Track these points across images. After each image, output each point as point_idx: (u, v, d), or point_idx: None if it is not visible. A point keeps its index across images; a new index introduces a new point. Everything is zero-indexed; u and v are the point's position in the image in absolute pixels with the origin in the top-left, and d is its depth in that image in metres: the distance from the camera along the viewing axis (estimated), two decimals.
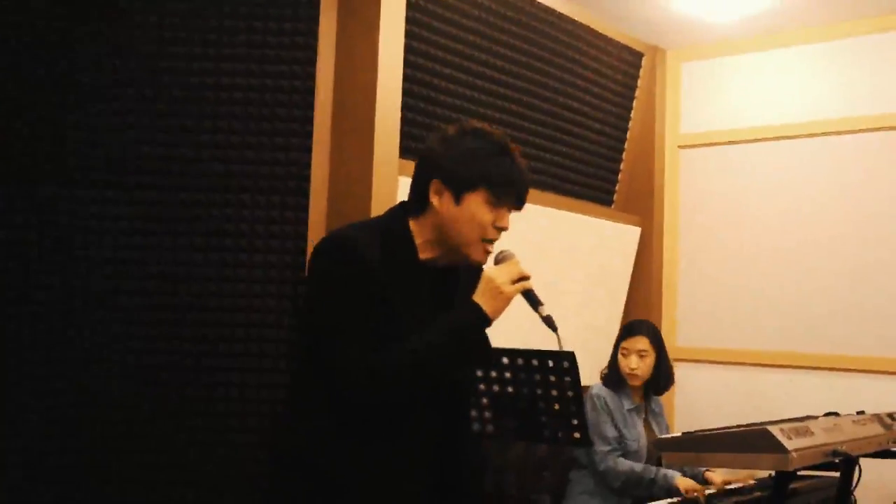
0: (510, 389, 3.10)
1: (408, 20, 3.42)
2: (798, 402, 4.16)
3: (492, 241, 2.03)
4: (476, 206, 1.97)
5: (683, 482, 3.47)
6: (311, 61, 3.30)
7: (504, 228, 2.03)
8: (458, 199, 1.98)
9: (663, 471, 3.54)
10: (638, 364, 3.74)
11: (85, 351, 3.13)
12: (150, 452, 3.16)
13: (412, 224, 2.04)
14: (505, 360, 3.09)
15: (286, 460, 2.05)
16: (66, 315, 3.13)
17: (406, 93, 3.45)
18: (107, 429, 3.13)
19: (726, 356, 4.60)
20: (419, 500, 2.04)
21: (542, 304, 2.04)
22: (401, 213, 2.06)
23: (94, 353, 3.14)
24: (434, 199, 2.00)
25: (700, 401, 4.67)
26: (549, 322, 2.05)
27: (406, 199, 2.10)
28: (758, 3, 4.15)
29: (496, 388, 3.12)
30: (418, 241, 2.03)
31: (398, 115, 3.34)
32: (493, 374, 3.11)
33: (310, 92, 3.29)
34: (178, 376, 3.18)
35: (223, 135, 3.23)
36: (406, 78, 3.43)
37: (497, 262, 2.05)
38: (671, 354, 4.72)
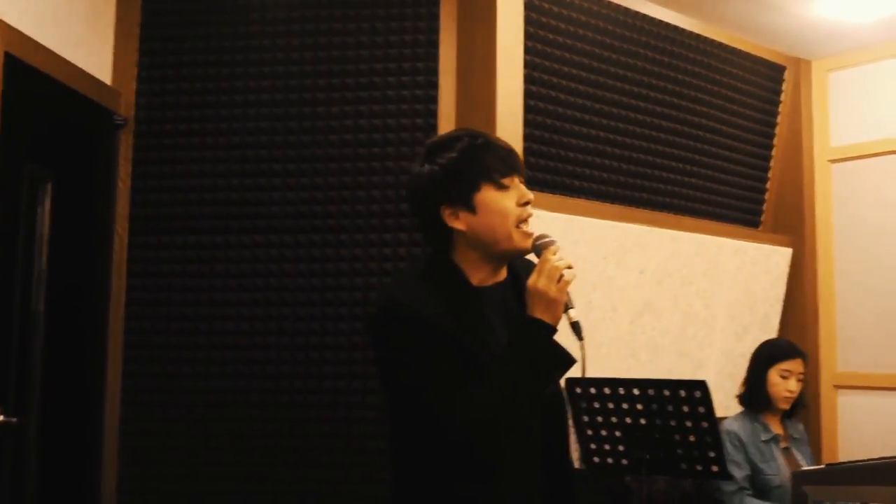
0: (643, 421, 3.01)
1: (526, 50, 3.40)
2: None
3: (526, 221, 1.97)
4: (491, 201, 1.93)
5: None
6: (433, 98, 3.33)
7: (528, 201, 1.97)
8: (471, 208, 1.94)
9: None
10: (796, 388, 3.59)
11: (219, 394, 3.26)
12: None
13: (454, 256, 2.00)
14: (636, 390, 3.00)
15: None
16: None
17: (529, 123, 3.42)
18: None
19: (891, 381, 4.30)
20: None
21: (572, 307, 1.93)
22: (438, 253, 2.02)
23: (226, 397, 3.26)
24: (454, 223, 1.95)
25: (864, 430, 4.38)
26: (576, 329, 1.92)
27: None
28: None
29: (629, 419, 3.03)
30: (467, 267, 1.99)
31: (520, 147, 3.31)
32: (625, 405, 3.02)
33: (433, 128, 3.32)
34: (312, 419, 3.25)
35: (349, 176, 3.30)
36: (528, 108, 3.41)
37: (536, 250, 1.95)
38: (831, 381, 4.48)
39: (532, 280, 1.90)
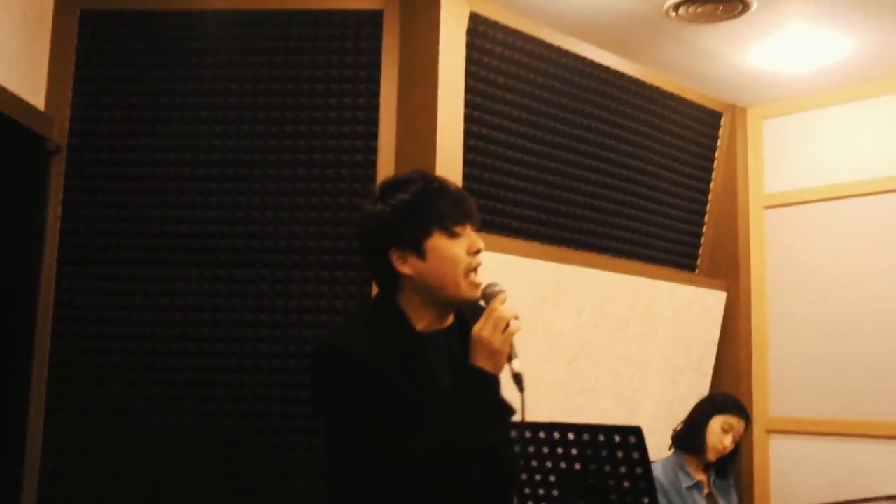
0: (577, 466, 2.98)
1: (467, 89, 3.39)
2: None
3: (475, 270, 1.96)
4: (441, 248, 1.92)
5: None
6: (373, 134, 3.31)
7: (478, 250, 1.96)
8: (420, 253, 1.92)
9: None
10: (731, 445, 3.62)
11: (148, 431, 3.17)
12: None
13: (399, 301, 1.97)
14: (570, 435, 2.98)
15: None
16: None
17: (469, 163, 3.41)
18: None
19: (822, 426, 4.35)
20: None
21: (516, 358, 1.91)
22: (385, 296, 2.00)
23: (154, 436, 3.17)
24: (402, 268, 1.93)
25: (796, 476, 4.41)
26: (518, 380, 1.90)
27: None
28: (838, 52, 3.99)
29: (563, 464, 3.01)
30: (411, 313, 1.96)
31: (459, 182, 3.30)
32: (559, 449, 3.00)
33: (372, 165, 3.30)
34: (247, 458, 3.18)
35: (286, 211, 3.26)
36: (468, 148, 3.40)
37: (485, 298, 1.93)
38: (764, 426, 4.52)
39: (477, 328, 1.88)
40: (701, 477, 3.61)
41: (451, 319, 2.03)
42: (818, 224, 4.49)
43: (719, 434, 3.62)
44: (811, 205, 4.53)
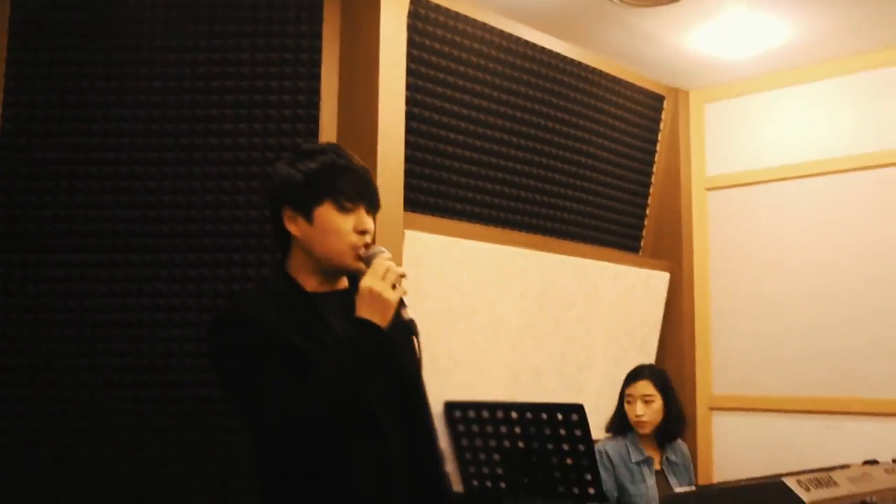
0: (521, 444, 3.01)
1: (409, 72, 3.39)
2: (839, 449, 3.97)
3: (359, 250, 2.03)
4: (328, 218, 2.00)
5: None
6: (314, 117, 3.28)
7: (365, 231, 2.03)
8: (309, 218, 2.01)
9: None
10: (644, 410, 3.58)
11: (88, 419, 3.14)
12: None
13: (290, 264, 2.06)
14: (514, 414, 3.00)
15: None
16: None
17: (411, 145, 3.41)
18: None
19: (764, 403, 4.43)
20: None
21: (406, 307, 1.98)
22: (277, 261, 2.11)
23: (93, 423, 3.14)
24: (291, 227, 2.03)
25: (739, 451, 4.50)
26: (411, 326, 1.98)
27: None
28: (777, 36, 4.06)
29: (507, 443, 3.03)
30: (300, 275, 2.04)
31: (401, 167, 3.30)
32: (503, 428, 3.02)
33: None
34: (192, 443, 3.15)
35: (227, 195, 3.23)
36: (410, 130, 3.40)
37: (366, 260, 1.99)
38: (707, 403, 4.59)
39: (367, 280, 1.94)
40: (652, 453, 3.62)
41: (345, 283, 2.10)
42: (759, 206, 4.56)
43: (628, 408, 3.65)
44: (752, 187, 4.60)
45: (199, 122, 3.25)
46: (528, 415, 2.98)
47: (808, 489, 2.44)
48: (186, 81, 3.27)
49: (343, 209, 2.00)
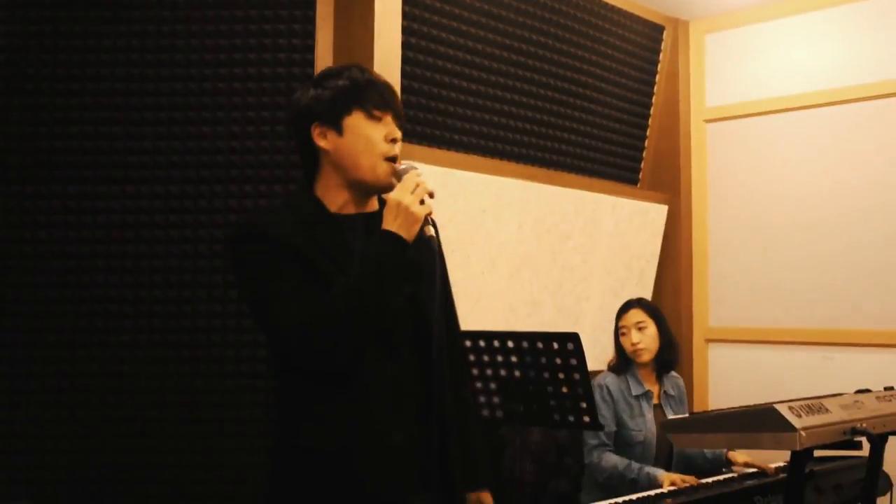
0: (517, 373, 3.04)
1: (406, 1, 3.35)
2: (834, 380, 4.01)
3: (394, 160, 2.03)
4: (358, 126, 2.00)
5: (668, 478, 3.28)
6: (310, 47, 3.25)
7: (395, 139, 2.03)
8: (339, 129, 2.01)
9: (647, 469, 3.34)
10: (639, 338, 3.59)
11: (88, 347, 3.16)
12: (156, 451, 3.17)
13: (316, 187, 2.06)
14: (510, 343, 3.02)
15: (279, 450, 2.03)
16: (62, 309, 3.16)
17: (407, 75, 3.38)
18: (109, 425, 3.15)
19: (760, 335, 4.46)
20: (401, 456, 1.98)
21: (431, 224, 1.96)
22: (301, 185, 2.11)
23: (95, 352, 3.16)
24: (321, 142, 2.02)
25: (734, 382, 4.54)
26: (431, 242, 1.96)
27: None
28: None
29: (503, 372, 3.06)
30: (326, 196, 2.04)
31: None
32: (500, 358, 3.05)
33: (308, 77, 3.24)
34: (186, 373, 3.18)
35: (222, 126, 3.21)
36: (406, 60, 3.37)
37: (398, 176, 1.99)
38: (704, 335, 4.62)
39: (395, 193, 1.94)
40: (652, 387, 3.65)
41: (374, 206, 2.09)
42: (758, 137, 4.55)
43: (623, 339, 3.67)
44: (752, 118, 4.58)
45: (194, 52, 3.22)
46: (525, 343, 3.00)
47: (799, 415, 2.46)
48: (180, 11, 3.23)
49: (372, 117, 2.00)
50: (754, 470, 3.40)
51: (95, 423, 3.15)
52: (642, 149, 4.68)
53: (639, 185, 4.67)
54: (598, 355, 4.03)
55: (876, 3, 4.20)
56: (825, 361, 4.27)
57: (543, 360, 2.99)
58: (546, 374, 3.00)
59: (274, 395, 2.11)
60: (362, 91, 2.02)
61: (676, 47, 4.68)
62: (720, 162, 4.67)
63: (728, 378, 4.57)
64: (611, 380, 3.62)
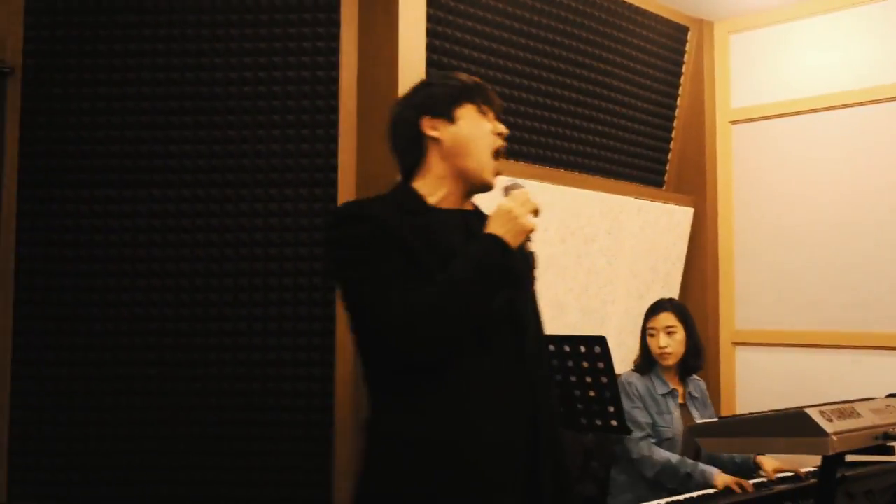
0: None
1: (429, 3, 3.34)
2: (863, 384, 3.96)
3: (498, 154, 2.09)
4: (469, 115, 2.06)
5: (722, 479, 3.24)
6: (334, 50, 3.27)
7: (503, 133, 2.10)
8: (451, 118, 2.06)
9: (702, 466, 3.33)
10: (667, 342, 3.58)
11: (115, 350, 3.17)
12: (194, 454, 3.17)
13: (416, 182, 2.08)
14: None
15: (373, 448, 2.01)
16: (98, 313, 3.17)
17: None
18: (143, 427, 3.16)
19: (787, 338, 4.42)
20: (507, 453, 1.96)
21: (530, 240, 2.00)
22: (401, 181, 2.12)
23: (125, 356, 3.17)
24: (431, 132, 2.06)
25: (761, 385, 4.50)
26: (530, 258, 2.01)
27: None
28: None
29: None
30: (425, 189, 2.06)
31: None
32: None
33: (333, 81, 3.27)
34: (213, 376, 3.18)
35: (249, 129, 3.22)
36: (431, 62, 3.36)
37: (507, 192, 2.03)
38: (730, 338, 4.58)
39: (505, 200, 1.98)
40: (676, 386, 3.64)
41: (470, 206, 2.13)
42: (784, 138, 4.51)
43: (650, 341, 3.65)
44: (777, 119, 4.54)
45: (218, 56, 3.23)
46: (551, 347, 2.99)
47: (830, 420, 2.44)
48: (205, 16, 3.24)
49: (482, 111, 2.08)
50: (788, 474, 3.37)
51: (122, 426, 3.17)
52: (667, 151, 4.65)
53: (664, 188, 4.65)
54: (623, 357, 4.00)
55: None
56: (854, 365, 4.22)
57: (570, 363, 2.98)
58: (573, 378, 2.99)
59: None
60: (470, 89, 2.09)
61: (701, 48, 4.65)
62: (746, 163, 4.63)
63: (755, 381, 4.53)
64: (635, 378, 3.61)
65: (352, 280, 1.95)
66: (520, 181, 2.07)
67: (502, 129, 2.10)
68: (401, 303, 1.85)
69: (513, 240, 1.94)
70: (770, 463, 3.42)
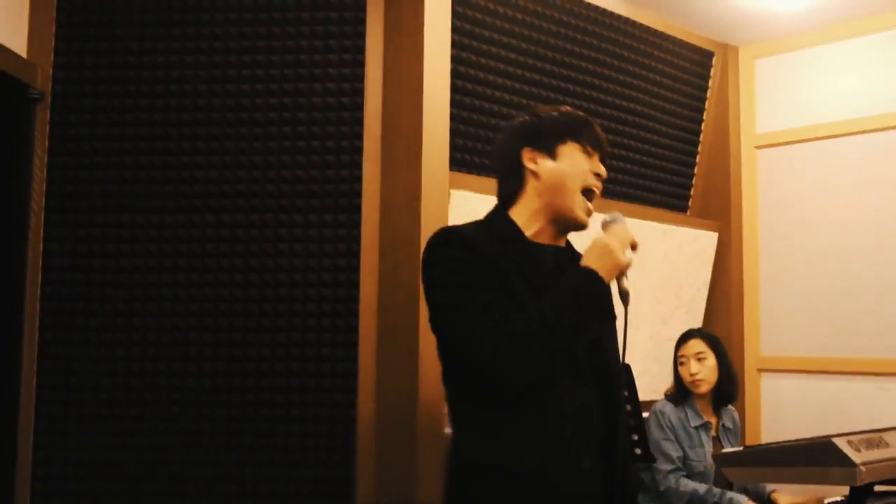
0: None
1: (454, 29, 3.36)
2: (890, 411, 3.93)
3: (592, 195, 2.09)
4: (571, 154, 2.07)
5: None
6: (359, 76, 3.28)
7: (602, 175, 2.11)
8: (552, 154, 2.07)
9: (729, 494, 3.30)
10: (698, 368, 3.57)
11: (138, 377, 3.18)
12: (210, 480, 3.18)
13: (512, 211, 2.09)
14: None
15: (457, 474, 2.03)
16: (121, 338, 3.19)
17: (456, 104, 3.39)
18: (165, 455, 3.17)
19: (813, 365, 4.38)
20: (590, 482, 1.98)
21: (627, 278, 2.02)
22: (497, 207, 2.14)
23: (149, 381, 3.18)
24: (530, 164, 2.08)
25: (787, 413, 4.46)
26: (624, 296, 2.01)
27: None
28: None
29: None
30: (521, 220, 2.07)
31: (447, 126, 3.27)
32: None
33: (358, 108, 3.28)
34: (235, 403, 3.18)
35: (274, 155, 3.24)
36: (455, 89, 3.37)
37: (605, 226, 2.05)
38: (755, 364, 4.55)
39: (602, 235, 2.00)
40: (710, 418, 3.61)
41: (563, 242, 2.14)
42: (810, 164, 4.48)
43: (681, 370, 3.63)
44: (803, 144, 4.52)
45: (245, 82, 3.26)
46: None
47: (858, 450, 2.42)
48: (232, 41, 3.28)
49: (586, 152, 2.09)
50: None
51: (143, 452, 3.18)
52: (692, 175, 4.63)
53: (689, 213, 4.63)
54: (648, 384, 3.99)
55: None
56: (881, 392, 4.17)
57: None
58: None
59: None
60: (580, 127, 2.10)
61: (726, 73, 4.64)
62: (771, 188, 4.61)
63: (781, 408, 4.49)
64: (669, 408, 3.59)
65: (443, 304, 1.98)
66: (619, 215, 2.07)
67: (602, 171, 2.10)
68: (492, 330, 1.86)
69: (607, 274, 1.95)
70: (785, 499, 3.39)
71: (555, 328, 1.88)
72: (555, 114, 2.14)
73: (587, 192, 2.07)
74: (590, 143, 2.09)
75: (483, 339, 1.86)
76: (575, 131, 2.09)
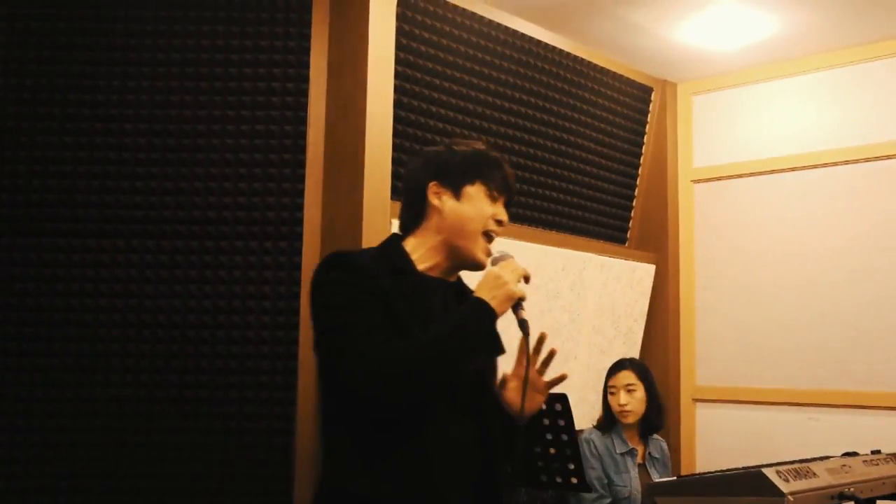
0: None
1: (397, 61, 3.39)
2: (821, 441, 4.01)
3: (491, 238, 2.09)
4: (475, 198, 2.06)
5: None
6: (302, 105, 3.30)
7: (502, 222, 2.10)
8: (457, 194, 2.06)
9: None
10: (627, 399, 3.63)
11: (90, 402, 3.14)
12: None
13: (408, 241, 2.10)
14: None
15: (328, 496, 2.01)
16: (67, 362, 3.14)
17: (398, 134, 3.41)
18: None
19: (746, 395, 4.47)
20: None
21: (523, 309, 2.04)
22: (393, 237, 2.14)
23: (94, 407, 3.14)
24: (434, 200, 2.07)
25: (721, 442, 4.53)
26: (523, 326, 2.04)
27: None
28: (765, 29, 4.09)
29: None
30: (416, 253, 2.07)
31: (389, 155, 3.30)
32: None
33: (301, 136, 3.29)
34: (173, 422, 3.16)
35: (215, 181, 3.24)
36: (398, 119, 3.40)
37: (495, 262, 2.05)
38: (691, 394, 4.62)
39: (494, 267, 2.00)
40: (636, 446, 3.66)
41: (454, 277, 2.14)
42: (745, 198, 4.59)
43: (611, 399, 3.70)
44: (739, 179, 4.63)
45: (187, 108, 3.25)
46: None
47: (787, 480, 2.47)
48: (175, 67, 3.27)
49: (491, 196, 2.08)
50: None
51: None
52: (630, 208, 4.71)
53: (627, 245, 4.70)
54: (584, 413, 4.02)
55: (861, 67, 4.28)
56: (811, 422, 4.27)
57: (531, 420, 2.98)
58: (534, 435, 2.99)
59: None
60: (491, 169, 2.10)
61: (665, 108, 4.74)
62: (707, 222, 4.71)
63: (715, 438, 4.56)
64: (596, 436, 3.64)
65: (328, 326, 1.95)
66: (507, 252, 2.08)
67: (504, 217, 2.11)
68: (372, 353, 1.85)
69: (499, 305, 1.95)
70: None
71: (436, 356, 1.88)
72: (468, 151, 2.13)
73: (486, 234, 2.08)
74: (497, 187, 2.09)
75: (361, 360, 1.85)
76: (484, 173, 2.08)
